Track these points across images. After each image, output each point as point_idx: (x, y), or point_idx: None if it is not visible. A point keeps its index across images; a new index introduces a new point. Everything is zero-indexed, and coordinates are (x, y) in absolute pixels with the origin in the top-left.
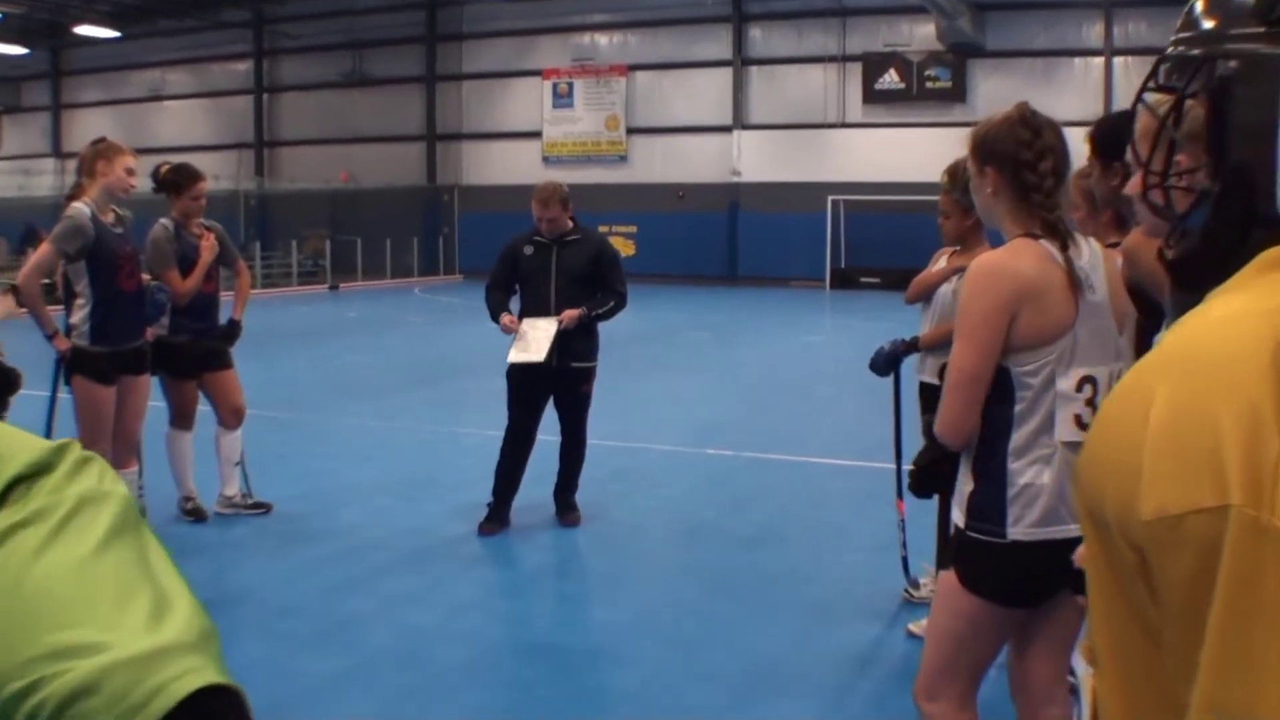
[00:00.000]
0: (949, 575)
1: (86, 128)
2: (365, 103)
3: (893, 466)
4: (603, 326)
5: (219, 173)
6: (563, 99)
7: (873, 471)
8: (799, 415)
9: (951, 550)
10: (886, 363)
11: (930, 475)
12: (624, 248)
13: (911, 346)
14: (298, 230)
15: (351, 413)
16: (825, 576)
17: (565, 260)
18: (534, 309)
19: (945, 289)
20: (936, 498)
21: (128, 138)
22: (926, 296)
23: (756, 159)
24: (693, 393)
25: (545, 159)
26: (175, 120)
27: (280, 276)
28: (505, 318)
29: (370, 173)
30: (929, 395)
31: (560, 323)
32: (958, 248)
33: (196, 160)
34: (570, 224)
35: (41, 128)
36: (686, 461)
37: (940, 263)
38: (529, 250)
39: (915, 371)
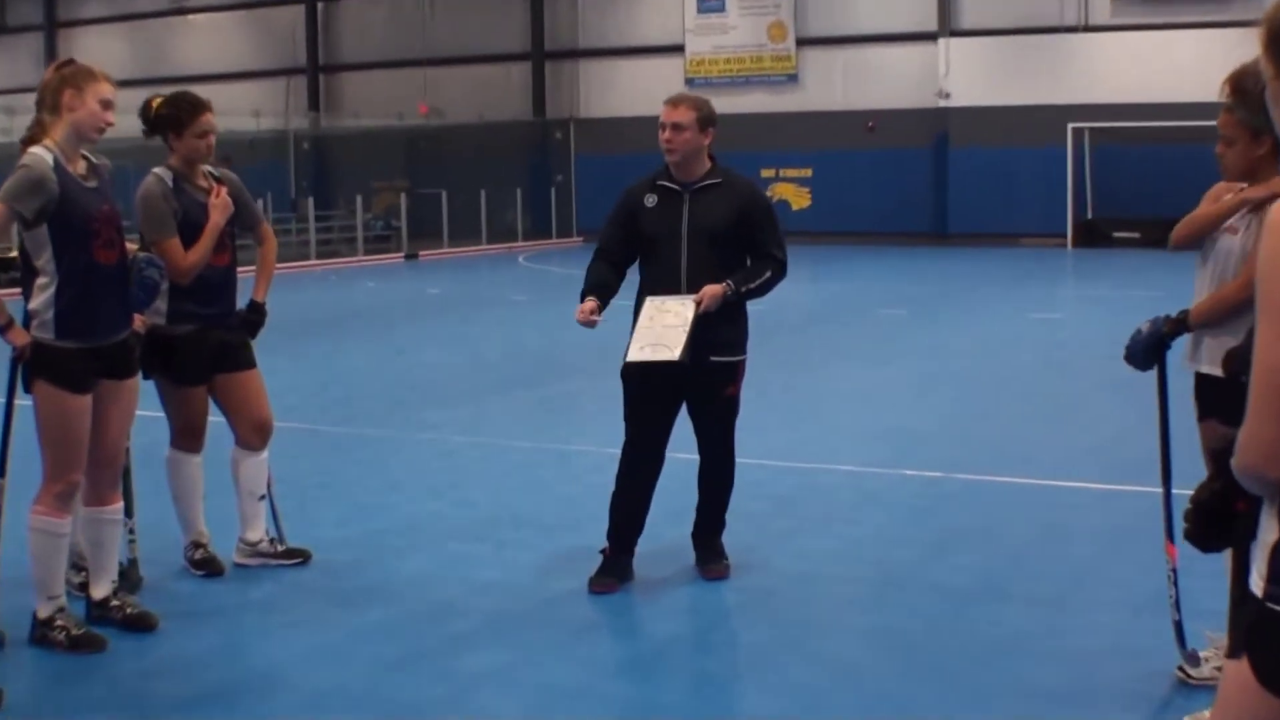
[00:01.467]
0: (1240, 666)
1: (89, 51)
2: (451, 12)
3: (1159, 491)
4: (754, 306)
5: (261, 107)
6: (710, 2)
7: (1132, 500)
8: (1029, 422)
9: (1245, 630)
10: (1147, 350)
11: (1218, 516)
12: (795, 198)
13: (1180, 325)
14: (364, 182)
15: (423, 426)
16: (1064, 648)
17: (701, 214)
18: (659, 283)
19: (1231, 241)
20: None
21: (143, 64)
22: (1202, 245)
23: (971, 76)
24: (884, 392)
25: (689, 81)
26: (204, 40)
27: (342, 243)
28: (586, 305)
29: (459, 105)
30: (1210, 393)
31: (698, 304)
32: (1244, 186)
33: (231, 92)
34: (709, 163)
35: (31, 52)
36: (876, 487)
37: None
38: (651, 201)
39: (1187, 360)
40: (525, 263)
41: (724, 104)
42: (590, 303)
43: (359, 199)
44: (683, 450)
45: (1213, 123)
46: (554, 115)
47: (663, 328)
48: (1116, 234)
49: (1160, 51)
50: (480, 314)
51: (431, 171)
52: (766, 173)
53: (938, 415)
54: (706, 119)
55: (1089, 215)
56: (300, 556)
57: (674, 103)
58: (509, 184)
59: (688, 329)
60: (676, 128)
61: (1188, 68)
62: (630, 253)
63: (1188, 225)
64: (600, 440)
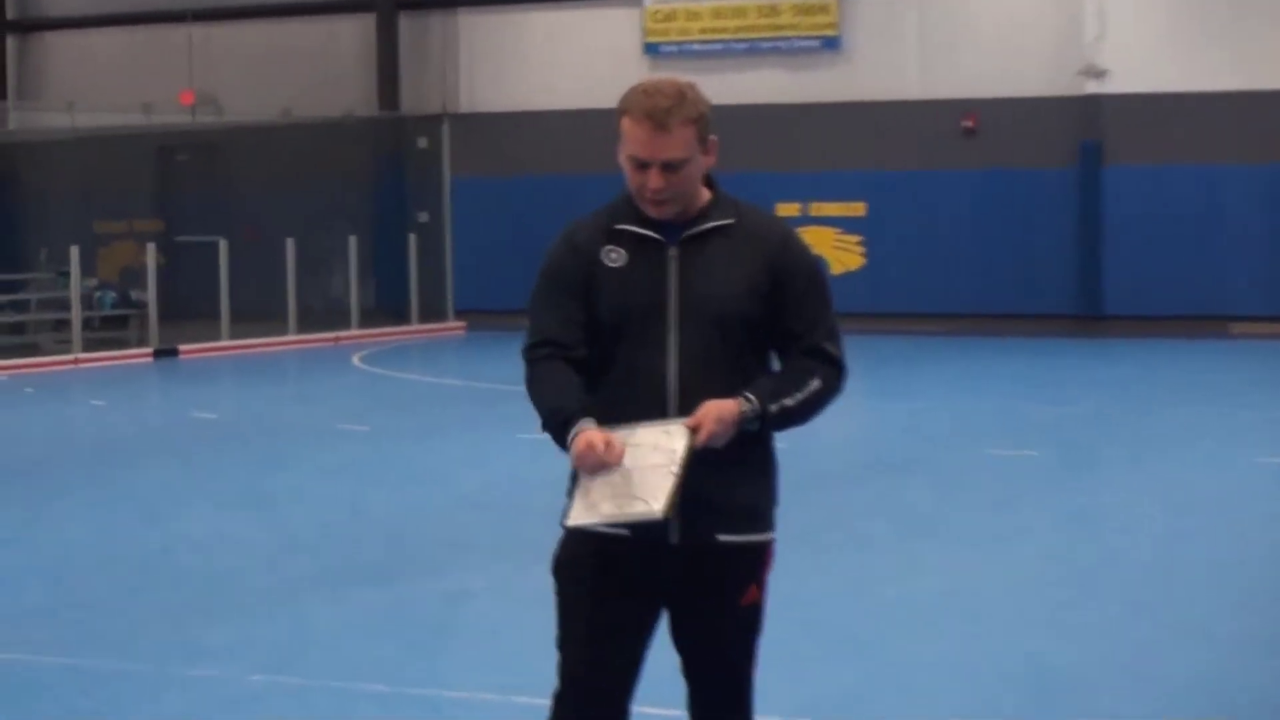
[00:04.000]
0: None
1: None
2: None
3: None
4: (791, 441)
5: None
6: None
7: None
8: (1255, 653)
9: None
10: None
11: None
12: (838, 253)
13: None
14: (83, 225)
15: (196, 655)
16: None
17: (701, 277)
18: (628, 400)
19: None
20: None
21: None
22: None
23: (1142, 42)
24: (1000, 596)
25: (650, 50)
26: None
27: (43, 331)
28: (589, 435)
29: (247, 92)
30: None
31: (694, 434)
32: None
33: None
34: (709, 193)
35: None
36: None
37: None
38: (614, 258)
39: None
40: (364, 365)
41: (714, 90)
42: (592, 433)
43: (73, 254)
44: (659, 702)
45: None
46: (414, 109)
47: (632, 471)
48: None
49: None
50: (289, 455)
51: (201, 206)
52: (786, 208)
53: (1093, 639)
54: (704, 124)
55: None
56: None
57: (659, 123)
58: (336, 227)
59: (677, 470)
60: (670, 169)
61: None
62: (590, 340)
63: None
64: (510, 681)
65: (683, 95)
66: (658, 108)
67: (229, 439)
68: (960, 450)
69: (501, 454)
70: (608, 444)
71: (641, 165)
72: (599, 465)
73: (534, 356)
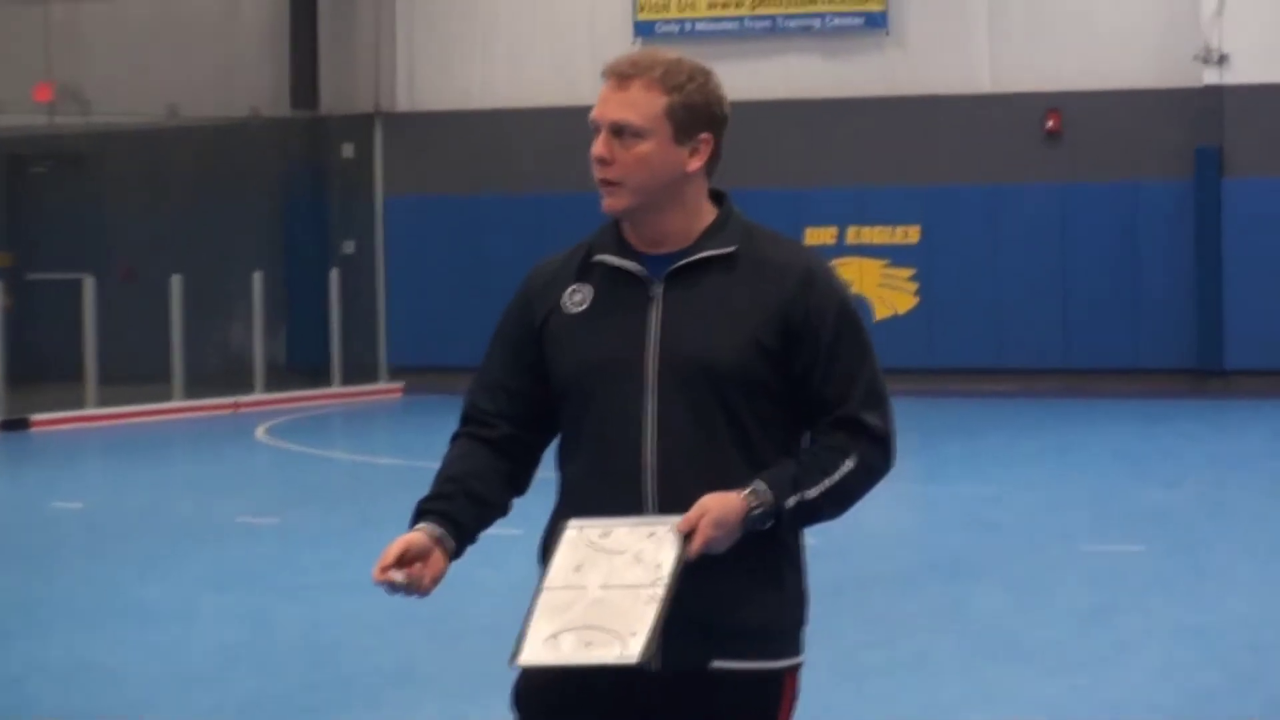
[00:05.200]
0: None
1: None
2: None
3: None
4: (825, 535)
5: None
6: None
7: None
8: None
9: None
10: None
11: None
12: (885, 292)
13: None
14: None
15: None
16: None
17: (690, 326)
18: (597, 491)
19: None
20: None
21: None
22: None
23: (1264, 17)
24: None
25: (642, 29)
26: None
27: None
28: (396, 546)
29: (123, 85)
30: None
31: (686, 537)
32: None
33: None
34: (709, 211)
35: None
36: None
37: None
38: (578, 299)
39: None
40: (271, 440)
41: (724, 82)
42: (416, 536)
43: None
44: None
45: None
46: (337, 107)
47: (604, 590)
48: None
49: None
50: (176, 558)
51: (61, 233)
52: (817, 235)
53: None
54: (693, 110)
55: None
56: None
57: (619, 75)
58: (237, 261)
59: (662, 593)
60: (619, 133)
61: None
62: (540, 415)
63: None
64: None
65: (671, 63)
66: (624, 60)
67: (97, 536)
68: (1043, 546)
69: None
70: (384, 559)
71: (595, 129)
72: (382, 582)
73: (460, 423)
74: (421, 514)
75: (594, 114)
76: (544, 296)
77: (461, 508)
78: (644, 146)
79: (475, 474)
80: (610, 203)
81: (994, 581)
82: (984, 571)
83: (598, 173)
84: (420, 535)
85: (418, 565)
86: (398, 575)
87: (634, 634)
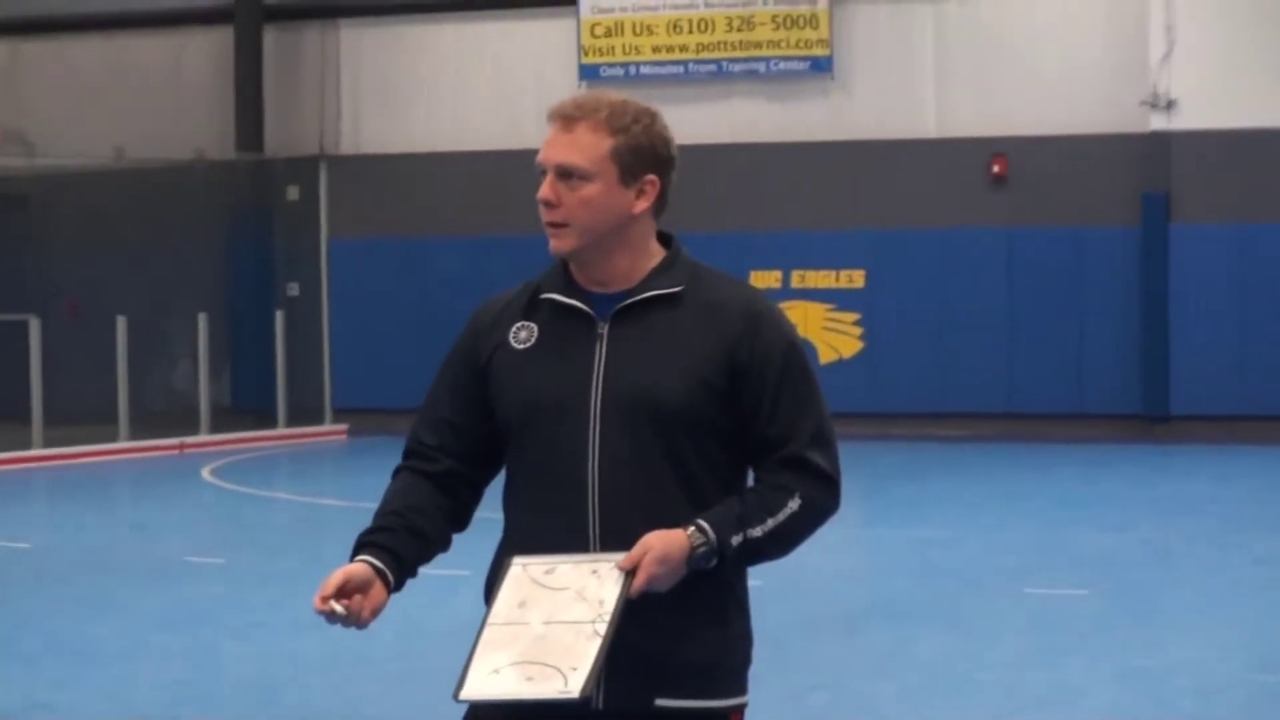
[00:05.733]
0: None
1: None
2: None
3: None
4: (769, 577)
5: None
6: None
7: None
8: None
9: None
10: None
11: None
12: (830, 337)
13: None
14: None
15: None
16: None
17: (636, 363)
18: (542, 529)
19: None
20: None
21: None
22: None
23: (1220, 66)
24: None
25: (587, 72)
26: None
27: None
28: (335, 576)
29: (71, 127)
30: None
31: (630, 577)
32: None
33: None
34: (656, 253)
35: None
36: None
37: None
38: (524, 336)
39: None
40: (217, 480)
41: (670, 124)
42: (357, 567)
43: None
44: None
45: None
46: (282, 149)
47: (547, 626)
48: None
49: None
50: (122, 597)
51: (5, 274)
52: (762, 278)
53: None
54: (638, 152)
55: None
56: None
57: (565, 117)
58: (182, 302)
59: (605, 629)
60: (565, 176)
61: None
62: (483, 451)
63: None
64: None
65: (616, 104)
66: (570, 103)
67: (45, 576)
68: (988, 590)
69: (394, 597)
70: (324, 590)
71: (541, 172)
72: (323, 613)
73: (403, 457)
74: (362, 546)
75: (540, 157)
76: (490, 333)
77: (403, 541)
78: (590, 189)
79: (417, 508)
80: (557, 244)
81: (940, 624)
82: (930, 614)
83: (544, 215)
84: (361, 567)
85: (357, 597)
86: (338, 605)
87: (575, 669)
